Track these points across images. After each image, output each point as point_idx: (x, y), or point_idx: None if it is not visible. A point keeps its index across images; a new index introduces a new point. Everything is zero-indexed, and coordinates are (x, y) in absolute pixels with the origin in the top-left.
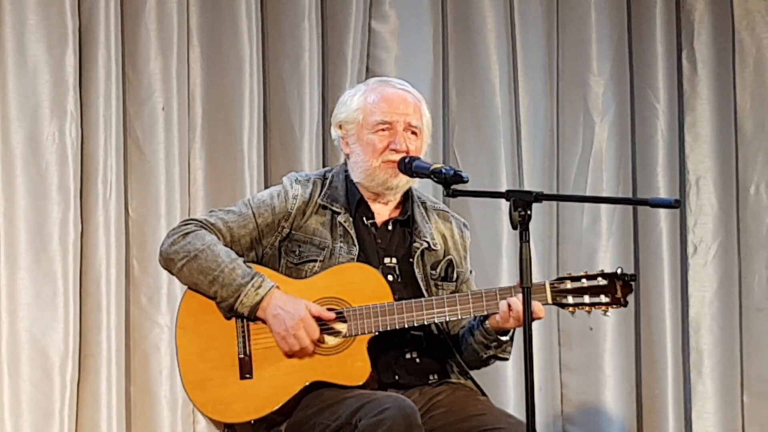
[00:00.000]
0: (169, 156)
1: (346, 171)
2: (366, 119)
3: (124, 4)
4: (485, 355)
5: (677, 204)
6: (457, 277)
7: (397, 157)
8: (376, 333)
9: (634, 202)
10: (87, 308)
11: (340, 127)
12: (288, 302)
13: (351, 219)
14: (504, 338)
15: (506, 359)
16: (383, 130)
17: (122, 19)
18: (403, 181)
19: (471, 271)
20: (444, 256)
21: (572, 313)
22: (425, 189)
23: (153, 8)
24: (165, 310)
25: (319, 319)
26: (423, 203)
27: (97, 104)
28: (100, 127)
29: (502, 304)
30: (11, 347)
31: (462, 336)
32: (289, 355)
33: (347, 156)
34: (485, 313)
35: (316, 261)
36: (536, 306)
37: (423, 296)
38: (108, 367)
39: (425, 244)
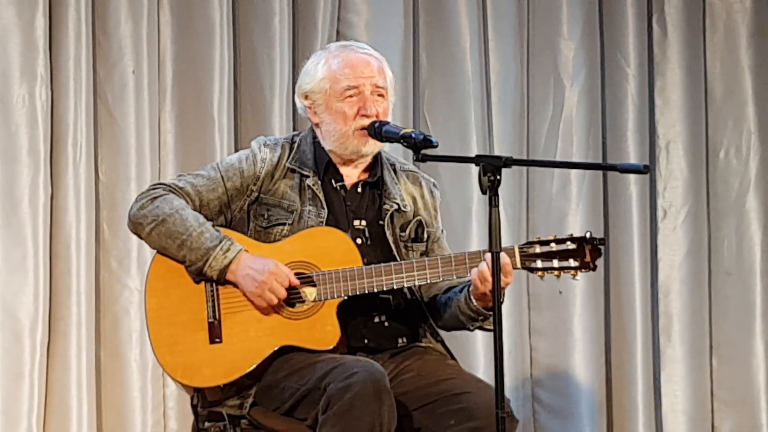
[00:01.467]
0: (139, 119)
1: (314, 134)
2: (333, 87)
3: None
4: (471, 327)
5: (646, 170)
6: (428, 237)
7: (368, 122)
8: (346, 297)
9: (604, 167)
10: (57, 271)
11: (306, 97)
12: (256, 261)
13: (320, 182)
14: (490, 312)
15: (492, 330)
16: (351, 96)
17: None
18: (374, 147)
19: (442, 231)
20: (413, 217)
21: (541, 277)
22: (395, 152)
23: None
24: (135, 273)
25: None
26: (392, 165)
27: (67, 67)
28: (70, 90)
29: (474, 272)
30: None
31: (445, 303)
32: (257, 318)
33: (316, 125)
34: (454, 277)
35: (284, 224)
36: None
37: (393, 258)
38: (78, 330)
39: (395, 206)
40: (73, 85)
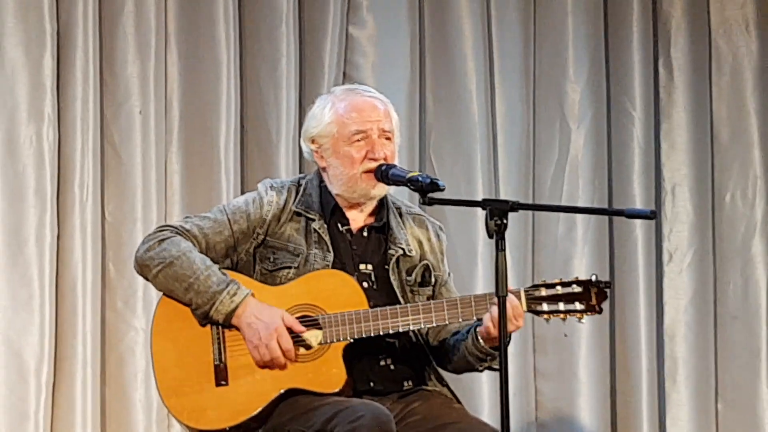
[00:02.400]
0: (145, 160)
1: (321, 177)
2: (340, 131)
3: (102, 7)
4: (480, 367)
5: (653, 215)
6: (435, 280)
7: (375, 165)
8: (352, 340)
9: (610, 212)
10: (63, 311)
11: (313, 141)
12: (263, 312)
13: (326, 225)
14: (497, 352)
15: (500, 370)
16: (359, 140)
17: (100, 23)
18: (381, 190)
19: (449, 274)
20: (420, 261)
21: (547, 320)
22: (401, 194)
23: (131, 12)
24: (140, 313)
25: (291, 330)
26: (398, 208)
27: (75, 107)
28: (78, 130)
29: (486, 317)
30: None
31: (453, 345)
32: (259, 365)
33: (323, 169)
34: (460, 320)
35: (290, 267)
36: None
37: (399, 303)
38: (83, 370)
39: (400, 251)
40: (80, 125)
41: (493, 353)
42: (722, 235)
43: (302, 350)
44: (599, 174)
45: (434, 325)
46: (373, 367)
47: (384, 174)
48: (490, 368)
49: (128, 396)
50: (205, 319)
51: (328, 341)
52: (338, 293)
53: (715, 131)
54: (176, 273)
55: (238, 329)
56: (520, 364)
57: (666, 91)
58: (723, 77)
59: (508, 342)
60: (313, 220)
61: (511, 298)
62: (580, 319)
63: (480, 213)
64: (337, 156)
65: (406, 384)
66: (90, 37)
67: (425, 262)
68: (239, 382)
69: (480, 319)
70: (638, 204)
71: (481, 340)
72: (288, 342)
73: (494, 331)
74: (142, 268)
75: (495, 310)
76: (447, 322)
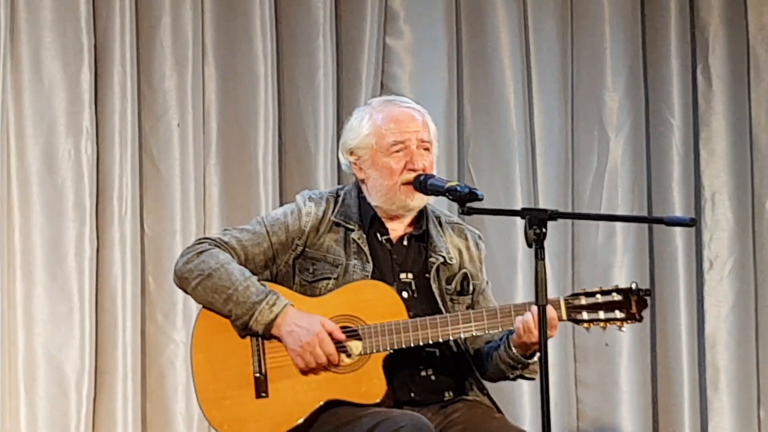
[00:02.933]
0: (184, 172)
1: (359, 188)
2: (379, 143)
3: (139, 20)
4: (512, 375)
5: (693, 222)
6: (473, 289)
7: (414, 176)
8: (392, 351)
9: (650, 220)
10: (103, 325)
11: (351, 153)
12: (303, 319)
13: (365, 236)
14: (531, 360)
15: (533, 379)
16: (397, 151)
17: (137, 36)
18: (421, 201)
19: (487, 282)
20: (459, 270)
21: (587, 329)
22: (440, 204)
23: (168, 25)
24: (180, 326)
25: (332, 339)
26: (437, 217)
27: (113, 121)
28: (116, 143)
29: (518, 320)
30: (28, 364)
31: (487, 353)
32: (305, 372)
33: (362, 181)
34: (500, 329)
35: (330, 278)
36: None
37: (439, 311)
38: (124, 383)
39: (441, 259)
40: (119, 139)
41: (525, 362)
42: (763, 242)
43: (343, 359)
44: (638, 182)
45: (473, 334)
46: (414, 378)
47: (422, 184)
48: (522, 377)
49: (169, 409)
50: (244, 330)
51: (368, 352)
52: (378, 304)
53: (754, 138)
54: (215, 285)
55: (278, 339)
56: (561, 373)
57: (705, 98)
58: (761, 84)
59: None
60: (352, 230)
61: (547, 309)
62: (620, 327)
63: (519, 222)
64: (376, 167)
65: (447, 394)
66: (127, 50)
67: (464, 270)
68: (279, 393)
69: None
70: (678, 212)
71: (513, 348)
72: (330, 346)
73: (524, 336)
74: (181, 280)
75: (528, 315)
76: (486, 332)
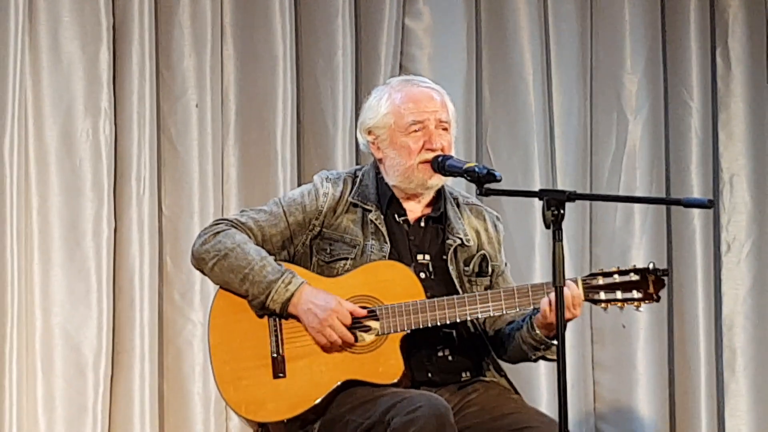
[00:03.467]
0: (202, 153)
1: (377, 169)
2: (398, 122)
3: (158, 1)
4: (534, 356)
5: (711, 204)
6: (492, 271)
7: (432, 155)
8: (409, 331)
9: (668, 201)
10: (120, 305)
11: (369, 132)
12: (319, 296)
13: (382, 216)
14: (554, 341)
15: (555, 360)
16: (416, 131)
17: (156, 17)
18: (438, 180)
19: (506, 264)
20: (477, 251)
21: (605, 309)
22: (458, 185)
23: (187, 5)
24: (198, 306)
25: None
26: (455, 199)
27: (131, 101)
28: (134, 124)
29: (544, 302)
30: (45, 344)
31: (509, 334)
32: (326, 349)
33: (379, 160)
34: (517, 309)
35: (347, 259)
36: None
37: (456, 293)
38: (141, 363)
39: (458, 241)
40: (137, 119)
41: (547, 342)
42: None
43: (363, 338)
44: (657, 165)
45: (491, 315)
46: (431, 358)
47: (440, 165)
48: (544, 358)
49: (186, 389)
50: (261, 309)
51: (386, 332)
52: (395, 284)
53: None
54: (231, 265)
55: (296, 319)
56: (578, 355)
57: (723, 81)
58: None
59: (564, 330)
60: (370, 211)
61: (571, 286)
62: (637, 307)
63: (537, 204)
64: (394, 147)
65: (464, 375)
66: (146, 30)
67: (483, 252)
68: (297, 373)
69: (537, 309)
70: (696, 194)
71: (536, 329)
72: (347, 319)
73: (550, 317)
74: (199, 261)
75: (550, 296)
76: (504, 312)
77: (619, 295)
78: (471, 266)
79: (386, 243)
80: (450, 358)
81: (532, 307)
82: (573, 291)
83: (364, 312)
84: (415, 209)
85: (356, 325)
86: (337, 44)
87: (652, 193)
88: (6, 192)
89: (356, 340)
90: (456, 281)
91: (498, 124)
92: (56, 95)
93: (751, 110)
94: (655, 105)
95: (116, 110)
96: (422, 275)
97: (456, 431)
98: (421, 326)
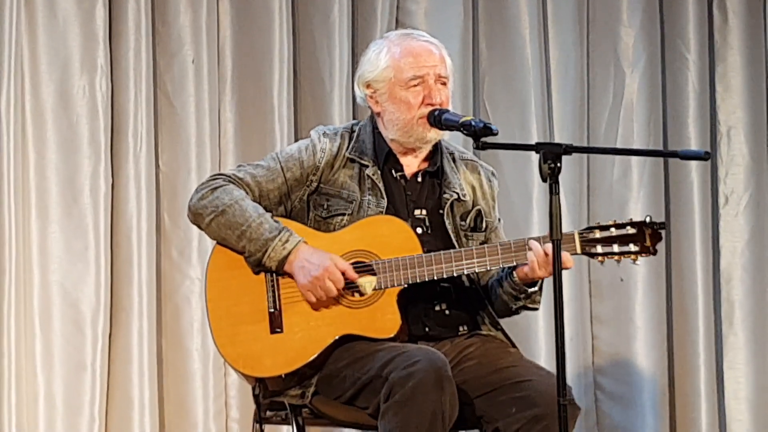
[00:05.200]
0: (199, 109)
1: (374, 124)
2: (397, 76)
3: None
4: (514, 306)
5: (707, 156)
6: (486, 226)
7: (430, 110)
8: (406, 285)
9: (664, 154)
10: (118, 262)
11: (368, 86)
12: (314, 255)
13: (379, 172)
14: (532, 289)
15: (536, 309)
16: (416, 85)
17: None
18: (437, 135)
19: (499, 220)
20: (473, 207)
21: (601, 262)
22: (455, 139)
23: None
24: (196, 263)
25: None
26: (451, 154)
27: (127, 58)
28: (131, 80)
29: (530, 254)
30: (43, 301)
31: (491, 286)
32: (317, 307)
33: (377, 114)
34: (514, 263)
35: (344, 214)
36: (564, 256)
37: (453, 247)
38: (139, 320)
39: (455, 195)
40: (133, 76)
41: (526, 290)
42: None
43: (358, 296)
44: (654, 118)
45: (488, 269)
46: (428, 313)
47: (437, 119)
48: (525, 308)
49: (184, 345)
50: (258, 266)
51: (383, 287)
52: (392, 239)
53: None
54: (229, 221)
55: (291, 276)
56: (576, 309)
57: (720, 33)
58: None
59: (541, 288)
60: (367, 166)
61: (534, 246)
62: (634, 260)
63: (534, 158)
64: (393, 101)
65: (461, 329)
66: None
67: (478, 207)
68: (294, 329)
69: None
70: (693, 147)
71: (515, 276)
72: (340, 281)
73: (538, 273)
74: (196, 216)
75: (532, 253)
76: (501, 266)
77: (615, 248)
78: (467, 221)
79: (383, 198)
80: (447, 312)
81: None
82: (564, 258)
83: (356, 275)
84: (411, 164)
85: (352, 284)
86: None
87: (650, 146)
88: (3, 149)
89: (353, 295)
90: (452, 236)
91: (495, 78)
92: (52, 52)
93: (749, 63)
94: (651, 58)
95: (112, 67)
96: (419, 230)
97: (454, 385)
98: (418, 281)
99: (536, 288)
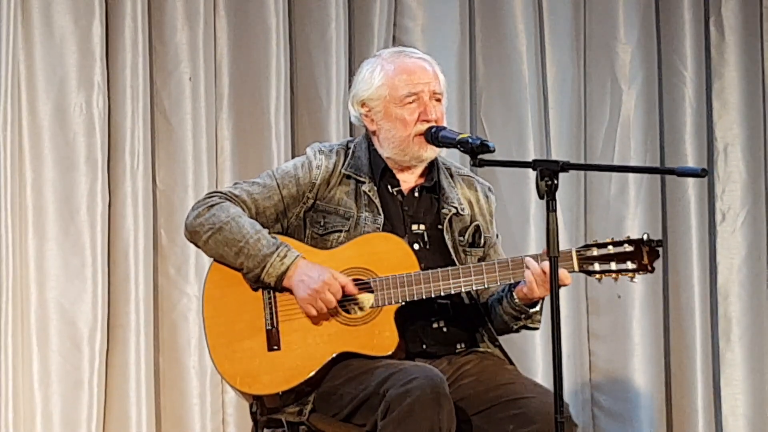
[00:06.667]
0: (196, 126)
1: (369, 140)
2: (392, 94)
3: None
4: (515, 326)
5: (704, 173)
6: (485, 242)
7: (427, 127)
8: (403, 303)
9: (661, 171)
10: (115, 279)
11: (363, 104)
12: (313, 269)
13: (375, 188)
14: (532, 310)
15: (536, 329)
16: (411, 102)
17: None
18: (433, 152)
19: (497, 236)
20: (471, 222)
21: (599, 280)
22: (452, 156)
23: None
24: (193, 280)
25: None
26: (448, 169)
27: (124, 75)
28: (127, 98)
29: (527, 273)
30: (40, 318)
31: (490, 305)
32: (315, 323)
33: (373, 132)
34: (512, 281)
35: (341, 231)
36: (562, 273)
37: (452, 263)
38: (137, 337)
39: (454, 210)
40: (130, 93)
41: (527, 311)
42: None
43: (355, 313)
44: (651, 135)
45: (486, 286)
46: (426, 330)
47: (434, 136)
48: (525, 327)
49: (182, 363)
50: (256, 282)
51: (380, 304)
52: (389, 256)
53: (767, 89)
54: (226, 238)
55: (290, 292)
56: (573, 325)
57: (717, 50)
58: None
59: (541, 308)
60: (363, 182)
61: (561, 272)
62: (632, 278)
63: (532, 174)
64: (389, 119)
65: (459, 346)
66: (138, 4)
67: (476, 222)
68: (292, 346)
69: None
70: (690, 164)
71: (515, 297)
72: (339, 292)
73: (536, 293)
74: (193, 234)
75: (530, 272)
76: (498, 283)
77: (613, 266)
78: (466, 236)
79: (380, 215)
80: (444, 329)
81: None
82: (561, 275)
83: (356, 290)
84: (408, 180)
85: (350, 299)
86: (330, 16)
87: (647, 162)
88: (0, 166)
89: (351, 313)
90: (452, 251)
91: (492, 94)
92: (49, 69)
93: (745, 79)
94: (648, 75)
95: (109, 84)
96: (417, 246)
97: (451, 402)
98: (415, 298)
99: (537, 308)
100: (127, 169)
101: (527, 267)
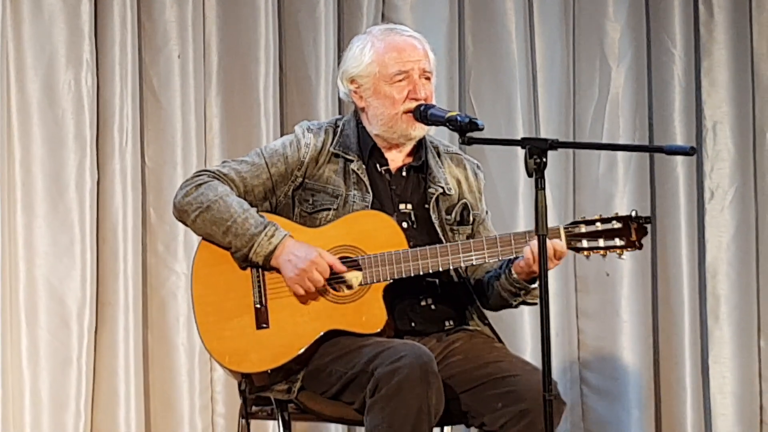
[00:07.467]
0: (185, 104)
1: (357, 119)
2: (381, 71)
3: None
4: (514, 303)
5: (693, 151)
6: (473, 219)
7: (415, 105)
8: (391, 281)
9: (650, 149)
10: (104, 256)
11: (352, 81)
12: (300, 248)
13: (364, 166)
14: (532, 285)
15: (535, 304)
16: (401, 80)
17: None
18: (421, 130)
19: (487, 212)
20: (458, 200)
21: (587, 257)
22: (440, 134)
23: None
24: (182, 257)
25: (332, 270)
26: (435, 148)
27: (113, 52)
28: (116, 75)
29: (526, 250)
30: (29, 296)
31: (488, 282)
32: (303, 300)
33: (362, 109)
34: (500, 258)
35: (329, 209)
36: (559, 245)
37: (439, 242)
38: (125, 314)
39: (440, 190)
40: (119, 71)
41: (527, 287)
42: (764, 171)
43: (343, 291)
44: (640, 113)
45: (474, 263)
46: (414, 308)
47: (423, 114)
48: (524, 303)
49: (170, 340)
50: (244, 261)
51: (369, 282)
52: (378, 234)
53: (755, 68)
54: (214, 217)
55: (278, 271)
56: (562, 303)
57: (706, 28)
58: (763, 13)
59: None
60: (352, 161)
61: (557, 242)
62: (620, 255)
63: (520, 152)
64: (378, 96)
65: (447, 324)
66: None
67: (464, 200)
68: (280, 324)
69: (518, 257)
70: (679, 142)
71: (514, 273)
72: (326, 271)
73: (535, 266)
74: (181, 213)
75: (534, 244)
76: (486, 261)
77: (601, 243)
78: (453, 215)
79: (368, 193)
80: (433, 307)
81: (514, 255)
82: (557, 245)
83: (344, 268)
84: (396, 158)
85: (339, 277)
86: None
87: (635, 140)
88: None
89: (339, 291)
90: (438, 230)
91: (481, 73)
92: (38, 47)
93: (734, 58)
94: (637, 53)
95: (98, 61)
96: (404, 224)
97: (440, 380)
98: (403, 275)
99: (536, 284)
100: (116, 147)
101: (529, 242)
